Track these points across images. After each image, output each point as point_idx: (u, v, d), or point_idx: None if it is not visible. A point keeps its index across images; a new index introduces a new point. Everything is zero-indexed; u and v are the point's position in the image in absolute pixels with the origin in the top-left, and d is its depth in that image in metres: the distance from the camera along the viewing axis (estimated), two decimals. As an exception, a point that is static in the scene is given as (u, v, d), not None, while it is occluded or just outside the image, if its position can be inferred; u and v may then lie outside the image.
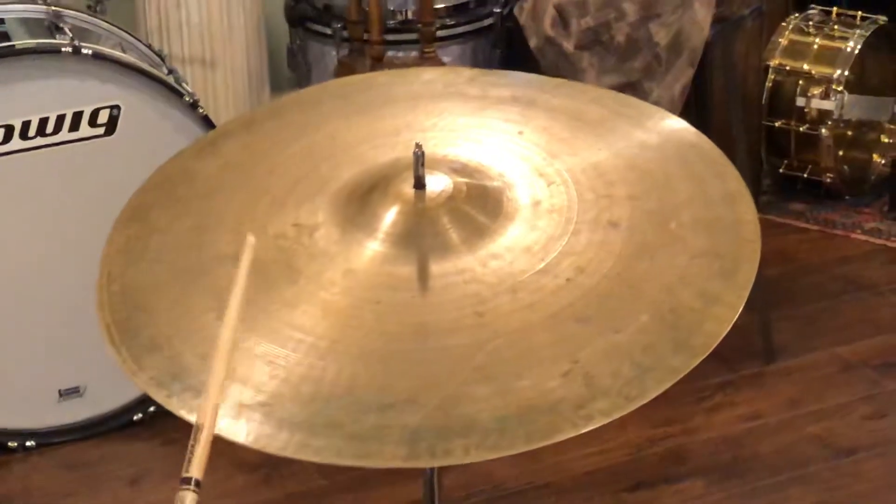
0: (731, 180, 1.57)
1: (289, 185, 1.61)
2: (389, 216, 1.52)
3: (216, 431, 1.31)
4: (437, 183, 1.53)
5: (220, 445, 1.37)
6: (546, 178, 1.57)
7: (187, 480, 1.24)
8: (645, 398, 1.34)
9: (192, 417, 1.37)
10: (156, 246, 1.58)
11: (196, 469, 1.25)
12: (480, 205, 1.53)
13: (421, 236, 1.50)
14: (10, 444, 2.72)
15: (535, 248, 1.49)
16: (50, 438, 2.76)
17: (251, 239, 1.43)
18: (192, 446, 1.27)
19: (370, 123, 1.70)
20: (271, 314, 1.45)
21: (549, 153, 1.60)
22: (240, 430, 1.37)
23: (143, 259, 1.57)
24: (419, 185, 1.52)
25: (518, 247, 1.49)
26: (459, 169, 1.57)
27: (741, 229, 1.51)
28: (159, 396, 1.41)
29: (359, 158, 1.63)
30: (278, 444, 1.34)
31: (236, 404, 1.38)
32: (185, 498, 1.23)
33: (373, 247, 1.50)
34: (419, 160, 1.51)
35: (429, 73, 1.90)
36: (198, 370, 1.41)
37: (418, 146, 1.51)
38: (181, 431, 2.66)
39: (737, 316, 1.41)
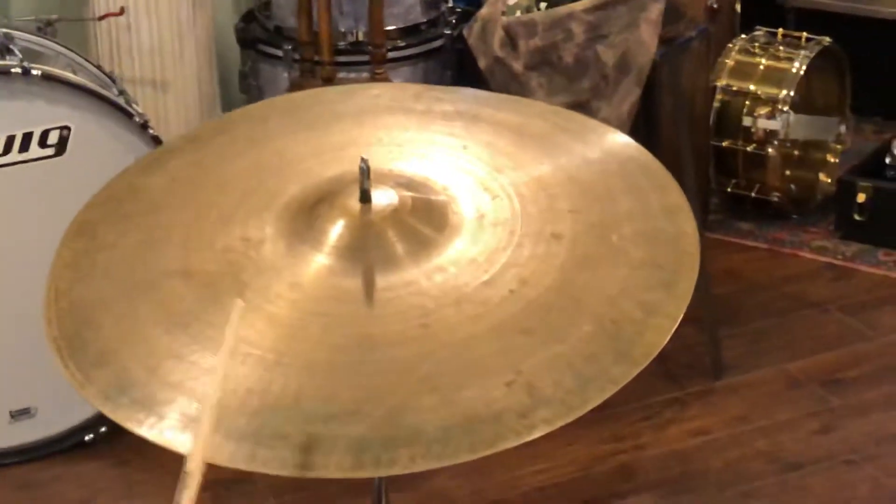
0: (672, 193, 1.59)
1: (236, 199, 1.61)
2: (336, 230, 1.52)
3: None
4: (383, 197, 1.54)
5: (170, 464, 1.38)
6: (490, 191, 1.59)
7: None
8: (586, 407, 1.36)
9: (139, 430, 1.38)
10: (103, 262, 1.58)
11: None
12: (425, 218, 1.54)
13: (367, 249, 1.51)
14: (-40, 465, 2.72)
15: (480, 260, 1.50)
16: (1, 460, 2.75)
17: (240, 302, 1.44)
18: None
19: (317, 139, 1.71)
20: (218, 327, 1.46)
21: (493, 167, 1.62)
22: (186, 441, 1.37)
23: (90, 275, 1.56)
24: (365, 198, 1.53)
25: (463, 259, 1.50)
26: (405, 183, 1.58)
27: (681, 241, 1.53)
28: (107, 409, 1.41)
29: (306, 173, 1.64)
30: (224, 455, 1.35)
31: (183, 417, 1.38)
32: None
33: (319, 260, 1.50)
34: (365, 174, 1.52)
35: (376, 89, 1.91)
36: (145, 383, 1.42)
37: (364, 160, 1.52)
38: (133, 451, 2.71)
39: (676, 326, 1.43)
